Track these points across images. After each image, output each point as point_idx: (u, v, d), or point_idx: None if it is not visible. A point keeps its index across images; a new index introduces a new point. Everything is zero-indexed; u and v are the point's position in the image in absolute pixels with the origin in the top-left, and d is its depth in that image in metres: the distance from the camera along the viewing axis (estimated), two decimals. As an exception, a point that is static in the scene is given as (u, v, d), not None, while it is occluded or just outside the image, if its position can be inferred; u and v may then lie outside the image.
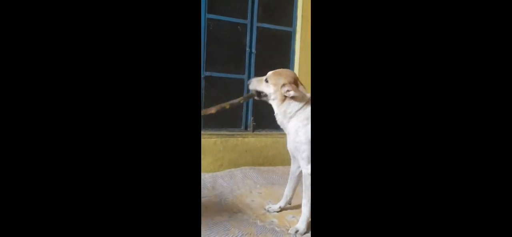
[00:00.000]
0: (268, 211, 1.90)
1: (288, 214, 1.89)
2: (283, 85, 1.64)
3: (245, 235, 1.61)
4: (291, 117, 1.66)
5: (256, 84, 1.74)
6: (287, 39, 3.41)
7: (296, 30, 3.39)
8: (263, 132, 3.18)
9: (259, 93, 1.75)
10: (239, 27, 3.16)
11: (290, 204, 1.92)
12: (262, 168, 2.91)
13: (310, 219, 1.65)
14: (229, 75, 3.10)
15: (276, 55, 3.39)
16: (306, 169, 1.65)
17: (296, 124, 1.64)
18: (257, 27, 3.19)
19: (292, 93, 1.62)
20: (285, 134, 1.77)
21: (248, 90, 1.82)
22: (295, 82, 1.67)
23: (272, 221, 1.79)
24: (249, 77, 3.23)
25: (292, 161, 1.84)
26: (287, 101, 1.65)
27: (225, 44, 3.14)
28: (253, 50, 3.19)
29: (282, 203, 1.91)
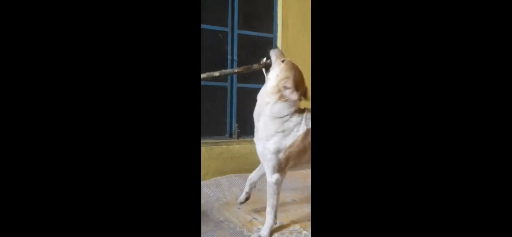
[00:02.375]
0: (239, 203, 1.94)
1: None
2: (286, 79, 1.54)
3: (232, 244, 1.61)
4: (273, 118, 1.55)
5: (277, 55, 1.66)
6: (268, 46, 3.44)
7: (277, 37, 3.43)
8: (248, 139, 3.18)
9: (267, 64, 1.66)
10: (220, 35, 3.17)
11: (254, 186, 1.95)
12: (249, 174, 2.90)
13: (274, 226, 1.67)
14: (212, 83, 3.10)
15: (257, 61, 3.42)
16: (271, 178, 1.60)
17: (266, 129, 1.57)
18: (238, 34, 3.21)
19: (288, 92, 1.53)
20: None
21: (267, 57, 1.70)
22: (299, 85, 1.57)
23: (259, 228, 1.79)
24: (231, 84, 3.24)
25: None
26: (282, 99, 1.55)
27: (207, 52, 3.14)
28: (235, 57, 3.21)
29: (247, 188, 1.92)
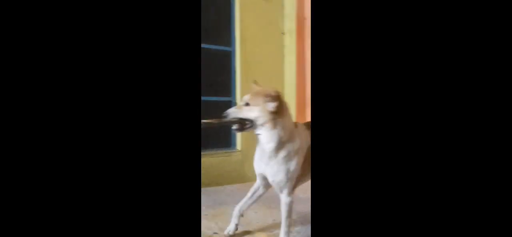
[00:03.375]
0: (228, 234, 1.80)
1: None
2: (267, 97, 1.42)
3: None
4: (284, 142, 1.46)
5: (236, 112, 1.48)
6: (227, 59, 3.46)
7: (236, 49, 3.47)
8: (208, 152, 3.14)
9: (242, 124, 1.47)
10: (178, 48, 3.13)
11: (242, 216, 1.82)
12: (209, 189, 2.85)
13: None
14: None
15: (217, 74, 3.41)
16: (289, 198, 1.55)
17: (285, 151, 1.47)
18: (197, 48, 3.19)
19: (272, 105, 1.42)
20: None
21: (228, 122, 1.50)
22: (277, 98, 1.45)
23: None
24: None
25: (258, 180, 1.73)
26: (280, 124, 1.45)
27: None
28: (194, 71, 3.18)
29: (236, 220, 1.80)
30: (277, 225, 1.73)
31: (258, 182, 1.75)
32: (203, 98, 3.25)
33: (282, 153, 1.49)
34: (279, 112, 1.44)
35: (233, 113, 1.48)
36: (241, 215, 1.81)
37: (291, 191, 1.56)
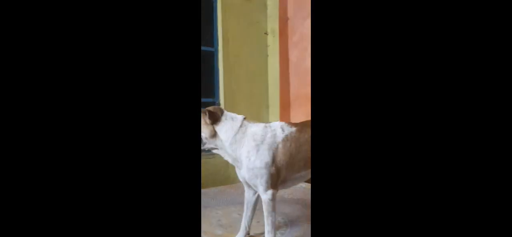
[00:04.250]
0: None
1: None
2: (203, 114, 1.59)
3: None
4: (235, 143, 1.58)
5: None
6: (210, 59, 3.42)
7: (218, 50, 3.43)
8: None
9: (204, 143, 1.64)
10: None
11: (249, 234, 1.80)
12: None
13: None
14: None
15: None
16: (266, 195, 1.55)
17: (246, 149, 1.56)
18: (178, 48, 3.14)
19: (206, 118, 1.59)
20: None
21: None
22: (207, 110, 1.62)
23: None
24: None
25: (246, 189, 1.75)
26: (220, 130, 1.60)
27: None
28: (175, 72, 3.13)
29: (241, 235, 1.77)
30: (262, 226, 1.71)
31: (245, 189, 1.76)
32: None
33: (244, 153, 1.56)
34: (214, 121, 1.60)
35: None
36: (248, 233, 1.79)
37: (268, 187, 1.56)
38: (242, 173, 1.61)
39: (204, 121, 1.60)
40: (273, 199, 1.56)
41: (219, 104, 3.42)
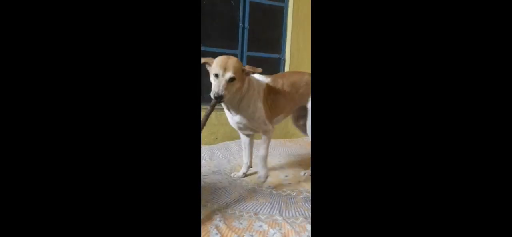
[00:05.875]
0: (232, 177, 2.07)
1: (284, 180, 2.02)
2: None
3: (245, 198, 1.73)
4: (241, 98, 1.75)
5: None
6: (279, 14, 3.45)
7: (288, 5, 3.44)
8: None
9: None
10: (232, 2, 3.18)
11: (251, 167, 2.16)
12: (255, 140, 3.01)
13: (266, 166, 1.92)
14: (222, 50, 3.15)
15: (268, 30, 3.44)
16: (266, 126, 1.86)
17: (247, 102, 1.77)
18: (250, 2, 3.22)
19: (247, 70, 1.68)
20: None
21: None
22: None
23: (269, 186, 1.92)
24: (242, 52, 3.28)
25: (240, 133, 2.08)
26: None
27: (218, 19, 3.17)
28: (246, 25, 3.23)
29: (244, 169, 2.12)
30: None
31: (240, 134, 2.10)
32: (250, 53, 3.33)
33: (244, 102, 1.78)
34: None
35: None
36: (250, 166, 2.16)
37: (269, 120, 1.89)
38: (237, 121, 1.87)
39: (242, 75, 1.65)
40: (270, 131, 1.91)
41: (284, 61, 3.49)
